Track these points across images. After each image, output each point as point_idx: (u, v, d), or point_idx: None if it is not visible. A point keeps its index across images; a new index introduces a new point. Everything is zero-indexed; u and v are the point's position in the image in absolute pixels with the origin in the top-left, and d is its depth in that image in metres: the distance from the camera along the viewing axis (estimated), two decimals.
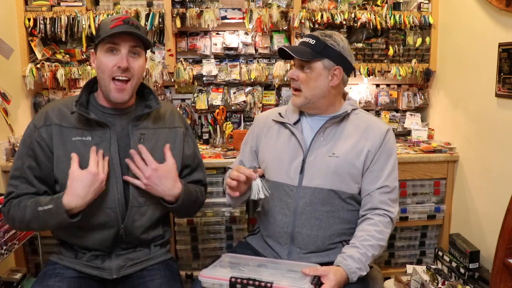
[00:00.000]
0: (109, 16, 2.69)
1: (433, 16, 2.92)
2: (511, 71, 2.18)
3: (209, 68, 2.93)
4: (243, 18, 2.88)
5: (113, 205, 1.58)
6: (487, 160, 2.41)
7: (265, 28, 2.87)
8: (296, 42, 2.87)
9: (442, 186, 2.72)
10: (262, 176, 1.70)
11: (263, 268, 1.53)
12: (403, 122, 3.13)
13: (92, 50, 1.63)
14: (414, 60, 2.96)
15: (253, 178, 1.56)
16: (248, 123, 3.10)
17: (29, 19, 2.68)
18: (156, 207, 1.66)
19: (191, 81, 2.89)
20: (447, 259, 2.47)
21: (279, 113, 1.79)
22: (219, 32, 2.98)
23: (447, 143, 2.78)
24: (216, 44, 2.95)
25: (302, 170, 1.67)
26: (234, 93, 3.04)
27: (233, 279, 1.38)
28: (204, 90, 3.04)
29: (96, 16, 2.71)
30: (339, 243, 1.68)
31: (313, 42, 1.65)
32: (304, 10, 2.85)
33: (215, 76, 2.96)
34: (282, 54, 1.70)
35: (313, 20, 2.86)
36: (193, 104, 3.02)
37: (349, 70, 1.70)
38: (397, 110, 3.20)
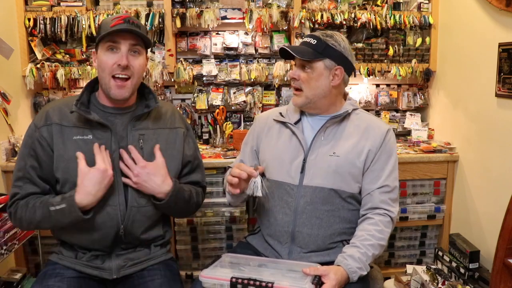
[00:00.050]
0: (110, 16, 2.69)
1: (433, 16, 2.93)
2: (511, 71, 2.18)
3: (209, 68, 2.93)
4: (243, 18, 2.88)
5: (113, 205, 1.58)
6: (487, 160, 2.41)
7: (265, 28, 2.87)
8: (296, 42, 2.87)
9: (442, 186, 2.72)
10: (262, 175, 1.71)
11: (264, 268, 1.53)
12: (403, 122, 3.13)
13: (93, 50, 1.64)
14: (414, 60, 2.96)
15: (253, 176, 1.56)
16: (248, 123, 3.10)
17: (29, 19, 2.68)
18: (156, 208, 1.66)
19: (191, 81, 2.89)
20: (447, 259, 2.47)
21: (280, 113, 1.80)
22: (219, 32, 2.98)
23: (447, 143, 2.79)
24: (216, 44, 2.95)
25: (303, 169, 1.67)
26: (234, 93, 3.04)
27: (233, 279, 1.38)
28: (204, 90, 3.04)
29: (96, 16, 2.71)
30: (339, 242, 1.69)
31: (314, 42, 1.65)
32: (304, 10, 2.85)
33: (215, 76, 2.96)
34: (283, 54, 1.70)
35: (313, 20, 2.86)
36: (193, 104, 3.02)
37: (350, 70, 1.71)
38: (397, 110, 3.21)
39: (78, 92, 2.88)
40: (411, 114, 3.09)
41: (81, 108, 1.57)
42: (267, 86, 3.09)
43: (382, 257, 2.79)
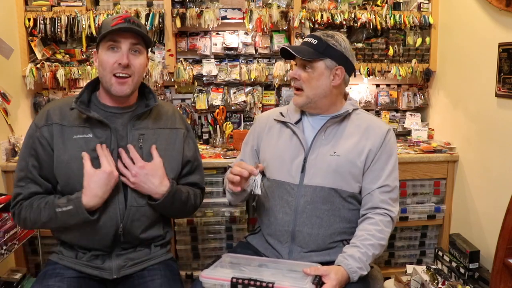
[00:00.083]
0: (110, 16, 2.69)
1: (433, 16, 2.93)
2: (511, 71, 2.18)
3: (209, 68, 2.93)
4: (243, 18, 2.88)
5: (112, 204, 1.58)
6: (487, 160, 2.41)
7: (265, 28, 2.88)
8: (296, 42, 2.87)
9: (442, 186, 2.72)
10: (263, 175, 1.71)
11: (264, 268, 1.53)
12: (403, 122, 3.13)
13: (94, 50, 1.64)
14: (414, 60, 2.96)
15: (254, 174, 1.56)
16: (248, 123, 3.10)
17: (29, 19, 2.68)
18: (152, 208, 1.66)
19: (191, 81, 2.89)
20: (447, 259, 2.47)
21: (281, 113, 1.80)
22: (219, 32, 2.98)
23: (447, 143, 2.79)
24: (216, 44, 2.95)
25: (303, 169, 1.68)
26: (234, 93, 3.04)
27: (234, 280, 1.38)
28: (204, 90, 3.04)
29: (96, 16, 2.71)
30: (339, 242, 1.69)
31: (315, 42, 1.66)
32: (304, 10, 2.85)
33: (215, 76, 2.96)
34: (284, 54, 1.71)
35: (313, 20, 2.86)
36: (193, 104, 3.02)
37: (350, 70, 1.71)
38: (397, 110, 3.21)
39: (78, 92, 2.90)
40: (411, 114, 3.09)
41: (80, 106, 1.57)
42: (267, 86, 3.09)
43: (382, 257, 2.79)
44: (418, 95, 3.15)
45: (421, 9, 2.94)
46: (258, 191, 1.58)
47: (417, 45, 3.00)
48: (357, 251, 1.54)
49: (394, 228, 1.71)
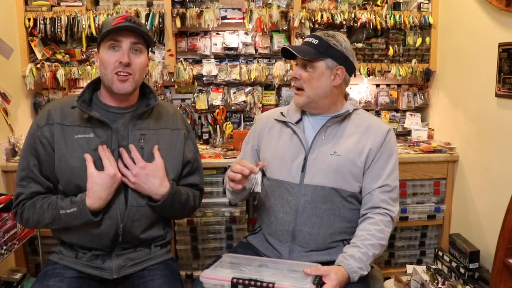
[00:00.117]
0: (109, 16, 2.70)
1: (433, 16, 2.93)
2: (511, 71, 2.18)
3: (209, 68, 2.93)
4: (243, 18, 2.88)
5: (113, 204, 1.58)
6: (487, 160, 2.41)
7: (265, 28, 2.88)
8: (296, 42, 2.87)
9: (442, 186, 2.73)
10: (263, 174, 1.71)
11: (264, 268, 1.53)
12: (403, 122, 3.13)
13: (94, 50, 1.64)
14: (414, 60, 2.96)
15: (254, 172, 1.57)
16: (248, 123, 3.10)
17: (29, 19, 2.68)
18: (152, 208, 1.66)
19: (191, 81, 2.89)
20: (447, 259, 2.47)
21: (281, 113, 1.80)
22: (219, 32, 2.98)
23: (447, 143, 2.79)
24: (216, 44, 2.95)
25: (303, 168, 1.68)
26: (234, 93, 3.04)
27: (234, 280, 1.38)
28: (204, 90, 3.04)
29: (96, 16, 2.71)
30: (340, 241, 1.69)
31: (316, 42, 1.66)
32: (304, 10, 2.85)
33: (215, 76, 2.96)
34: (285, 54, 1.71)
35: (313, 20, 2.86)
36: (193, 104, 3.02)
37: (351, 70, 1.72)
38: (397, 110, 3.21)
39: (78, 92, 2.89)
40: (411, 114, 3.09)
41: (82, 105, 1.57)
42: (267, 86, 3.09)
43: (382, 257, 2.79)
44: (418, 95, 3.15)
45: (421, 9, 2.95)
46: (258, 189, 1.58)
47: (417, 45, 3.00)
48: (358, 251, 1.54)
49: (394, 228, 1.71)
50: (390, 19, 2.90)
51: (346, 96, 1.80)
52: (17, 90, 2.68)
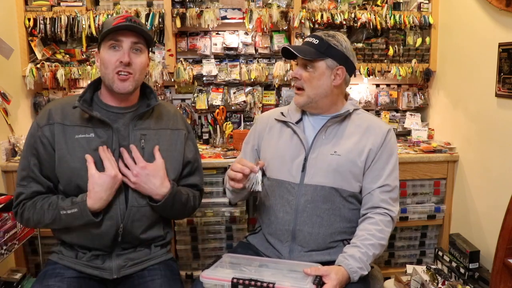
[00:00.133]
0: (109, 16, 2.70)
1: (433, 16, 2.93)
2: (511, 71, 2.19)
3: (209, 68, 2.93)
4: (243, 18, 2.88)
5: (113, 204, 1.58)
6: (487, 160, 2.41)
7: (265, 28, 2.88)
8: (296, 42, 2.87)
9: (442, 186, 2.73)
10: (263, 174, 1.71)
11: (265, 268, 1.53)
12: (403, 122, 3.13)
13: (94, 50, 1.64)
14: (414, 60, 2.96)
15: (254, 171, 1.57)
16: (248, 123, 3.10)
17: (29, 19, 2.68)
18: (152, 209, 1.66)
19: (191, 81, 2.89)
20: (447, 259, 2.47)
21: (281, 113, 1.80)
22: (219, 32, 2.98)
23: (447, 143, 2.79)
24: (216, 44, 2.95)
25: (304, 168, 1.68)
26: (234, 93, 3.04)
27: (235, 280, 1.38)
28: (204, 90, 3.04)
29: (96, 16, 2.71)
30: (340, 241, 1.69)
31: (316, 42, 1.67)
32: (304, 10, 2.85)
33: (215, 76, 2.96)
34: (286, 54, 1.71)
35: (313, 20, 2.86)
36: (193, 104, 3.02)
37: (351, 70, 1.72)
38: (397, 110, 3.21)
39: (78, 92, 2.90)
40: (411, 114, 3.09)
41: (83, 104, 1.58)
42: (267, 86, 3.09)
43: (382, 257, 2.79)
44: (418, 95, 3.15)
45: (421, 9, 2.95)
46: (258, 188, 1.58)
47: (417, 45, 3.00)
48: (358, 251, 1.54)
49: (394, 228, 1.71)
50: (390, 19, 2.90)
51: (346, 96, 1.81)
52: (17, 90, 2.68)
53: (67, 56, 2.84)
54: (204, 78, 2.97)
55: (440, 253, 2.54)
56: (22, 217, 1.60)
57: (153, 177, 1.59)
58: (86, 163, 1.54)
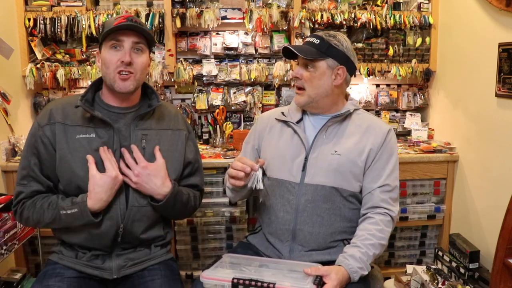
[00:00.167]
0: (109, 16, 2.70)
1: (433, 16, 2.93)
2: (511, 71, 2.19)
3: (209, 68, 2.93)
4: (243, 18, 2.88)
5: (113, 204, 1.58)
6: (487, 160, 2.41)
7: (265, 28, 2.88)
8: (296, 42, 2.87)
9: (442, 186, 2.73)
10: (264, 174, 1.71)
11: (265, 268, 1.53)
12: (403, 122, 3.13)
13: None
14: (414, 60, 2.96)
15: (255, 169, 1.57)
16: (248, 123, 3.10)
17: (29, 19, 2.68)
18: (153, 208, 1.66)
19: (191, 81, 2.89)
20: (447, 259, 2.47)
21: (282, 112, 1.81)
22: (219, 32, 2.98)
23: (447, 143, 2.79)
24: (216, 44, 2.95)
25: (304, 168, 1.68)
26: (234, 93, 3.04)
27: (235, 280, 1.38)
28: (204, 90, 3.04)
29: (96, 16, 2.71)
30: (340, 241, 1.69)
31: (317, 41, 1.67)
32: (304, 10, 2.85)
33: (215, 76, 2.96)
34: (286, 53, 1.72)
35: (313, 20, 2.86)
36: (193, 104, 3.02)
37: (352, 70, 1.72)
38: (397, 110, 3.21)
39: (78, 92, 2.90)
40: (411, 114, 3.09)
41: (85, 104, 1.58)
42: (267, 86, 3.09)
43: (382, 257, 2.79)
44: (418, 95, 3.15)
45: (421, 9, 2.95)
46: (259, 185, 1.58)
47: (417, 45, 3.00)
48: (358, 251, 1.54)
49: (394, 228, 1.71)
50: (390, 19, 2.90)
51: (346, 96, 1.81)
52: (17, 90, 2.68)
53: (67, 56, 2.84)
54: (204, 78, 2.97)
55: (440, 253, 2.54)
56: (22, 216, 1.60)
57: (154, 177, 1.59)
58: (87, 164, 1.54)
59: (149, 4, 2.81)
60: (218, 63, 2.98)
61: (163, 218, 1.74)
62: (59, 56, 2.81)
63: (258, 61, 3.01)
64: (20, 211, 1.59)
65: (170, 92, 3.07)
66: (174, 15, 2.78)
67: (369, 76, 2.95)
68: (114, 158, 1.58)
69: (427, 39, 2.99)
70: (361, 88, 3.15)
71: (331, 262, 1.57)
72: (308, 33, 2.87)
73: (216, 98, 2.99)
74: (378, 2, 2.96)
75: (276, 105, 3.06)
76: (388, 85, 3.21)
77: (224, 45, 2.96)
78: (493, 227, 2.27)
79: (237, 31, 2.99)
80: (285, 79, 2.91)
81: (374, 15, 2.88)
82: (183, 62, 2.89)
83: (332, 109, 1.73)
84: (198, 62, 2.99)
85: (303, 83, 1.68)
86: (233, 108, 3.07)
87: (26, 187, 1.59)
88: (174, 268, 1.73)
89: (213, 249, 2.64)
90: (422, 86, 3.15)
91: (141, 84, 1.66)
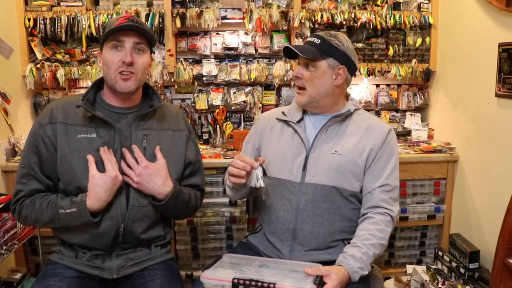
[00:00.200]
0: (109, 16, 2.70)
1: (433, 16, 2.93)
2: (511, 71, 2.19)
3: (209, 68, 2.93)
4: (243, 18, 2.88)
5: (114, 204, 1.58)
6: (487, 160, 2.41)
7: (265, 28, 2.87)
8: (296, 42, 2.87)
9: (442, 186, 2.73)
10: (264, 174, 1.71)
11: (265, 268, 1.53)
12: (403, 122, 3.13)
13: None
14: (414, 60, 2.96)
15: (254, 167, 1.57)
16: (248, 123, 3.10)
17: (29, 19, 2.68)
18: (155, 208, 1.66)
19: (191, 81, 2.89)
20: (447, 259, 2.47)
21: (283, 112, 1.81)
22: (219, 32, 2.98)
23: (447, 143, 2.79)
24: (216, 44, 2.95)
25: (304, 167, 1.69)
26: (234, 93, 3.04)
27: (235, 280, 1.38)
28: (204, 90, 3.04)
29: (96, 16, 2.71)
30: (340, 241, 1.69)
31: (318, 41, 1.67)
32: (304, 10, 2.85)
33: (215, 76, 2.96)
34: (287, 53, 1.72)
35: (313, 20, 2.86)
36: (193, 104, 3.02)
37: (352, 70, 1.73)
38: (397, 110, 3.21)
39: (78, 92, 2.90)
40: (411, 114, 3.09)
41: (86, 104, 1.58)
42: (267, 86, 3.09)
43: (382, 257, 2.79)
44: (418, 95, 3.15)
45: (421, 9, 2.95)
46: (258, 183, 1.58)
47: (417, 45, 3.00)
48: (358, 251, 1.54)
49: (394, 228, 1.71)
50: (390, 19, 2.90)
51: (347, 96, 1.81)
52: (17, 90, 2.67)
53: (67, 56, 2.83)
54: (204, 78, 2.97)
55: (440, 253, 2.54)
56: (20, 214, 1.60)
57: (156, 177, 1.59)
58: (88, 163, 1.54)
59: (149, 4, 2.81)
60: (218, 63, 2.98)
61: (163, 218, 1.74)
62: (59, 56, 2.81)
63: (258, 61, 3.01)
64: (19, 210, 1.59)
65: (170, 92, 3.07)
66: (174, 15, 2.78)
67: (369, 76, 2.95)
68: (115, 158, 1.58)
69: (427, 39, 2.99)
70: (361, 88, 3.15)
71: (331, 262, 1.57)
72: (308, 33, 2.87)
73: (216, 98, 2.99)
74: (378, 2, 2.95)
75: (276, 105, 3.06)
76: (388, 85, 3.21)
77: (224, 45, 2.96)
78: (493, 227, 2.27)
79: (237, 31, 2.99)
80: (285, 79, 2.91)
81: (374, 15, 2.88)
82: (183, 62, 2.89)
83: (333, 109, 1.74)
84: (198, 62, 2.99)
85: (303, 82, 1.69)
86: (233, 108, 3.07)
87: (26, 185, 1.59)
88: (174, 268, 1.74)
89: (213, 249, 2.64)
90: (422, 86, 3.15)
91: (142, 84, 1.66)
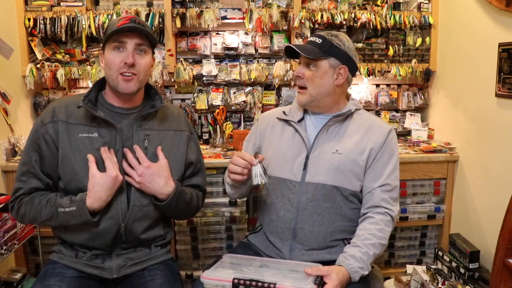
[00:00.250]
0: (109, 16, 2.70)
1: (433, 16, 2.93)
2: (511, 71, 2.19)
3: (209, 68, 2.93)
4: (243, 18, 2.88)
5: (115, 203, 1.59)
6: (487, 160, 2.41)
7: (265, 28, 2.88)
8: (296, 42, 2.87)
9: (442, 186, 2.73)
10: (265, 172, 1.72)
11: (265, 268, 1.53)
12: (403, 122, 3.13)
13: (101, 51, 1.65)
14: (414, 60, 2.96)
15: (253, 164, 1.58)
16: (248, 123, 3.10)
17: (29, 19, 2.68)
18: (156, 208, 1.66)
19: (191, 81, 2.89)
20: (447, 259, 2.47)
21: (283, 111, 1.82)
22: (219, 32, 2.98)
23: (447, 143, 2.79)
24: (216, 44, 2.95)
25: (305, 166, 1.69)
26: (234, 93, 3.04)
27: (236, 280, 1.38)
28: (204, 90, 3.04)
29: (96, 16, 2.71)
30: (340, 240, 1.69)
31: (319, 41, 1.68)
32: (304, 10, 2.85)
33: (215, 76, 2.96)
34: (288, 52, 1.72)
35: (313, 20, 2.86)
36: (193, 104, 3.02)
37: (353, 70, 1.73)
38: (397, 110, 3.21)
39: (78, 92, 2.90)
40: (411, 114, 3.09)
41: (88, 104, 1.58)
42: (267, 86, 3.09)
43: (382, 257, 2.79)
44: (418, 95, 3.15)
45: (421, 9, 2.95)
46: (257, 180, 1.58)
47: (417, 45, 3.00)
48: (358, 250, 1.54)
49: (394, 228, 1.71)
50: (390, 19, 2.90)
51: (348, 96, 1.82)
52: (17, 90, 2.67)
53: (67, 56, 2.83)
54: (204, 78, 2.97)
55: (440, 253, 2.54)
56: (18, 212, 1.60)
57: (158, 177, 1.59)
58: (88, 163, 1.54)
59: (149, 4, 2.81)
60: (218, 63, 2.98)
61: (164, 218, 1.74)
62: (59, 56, 2.81)
63: (258, 61, 3.01)
64: (17, 207, 1.59)
65: (170, 92, 3.07)
66: (174, 15, 2.78)
67: (369, 76, 2.95)
68: (116, 158, 1.58)
69: (427, 39, 2.99)
70: (361, 88, 3.15)
71: (331, 262, 1.58)
72: (308, 33, 2.87)
73: (216, 98, 2.99)
74: (378, 2, 2.96)
75: (276, 105, 3.06)
76: (388, 85, 3.22)
77: (224, 45, 2.96)
78: (493, 227, 2.27)
79: (237, 31, 2.99)
80: (285, 79, 2.92)
81: (374, 15, 2.88)
82: (183, 62, 2.89)
83: (334, 109, 1.74)
84: (198, 62, 2.99)
85: (305, 82, 1.69)
86: (233, 108, 3.07)
87: (26, 183, 1.59)
88: (174, 268, 1.74)
89: (213, 249, 2.64)
90: (422, 86, 3.15)
91: (144, 85, 1.67)
